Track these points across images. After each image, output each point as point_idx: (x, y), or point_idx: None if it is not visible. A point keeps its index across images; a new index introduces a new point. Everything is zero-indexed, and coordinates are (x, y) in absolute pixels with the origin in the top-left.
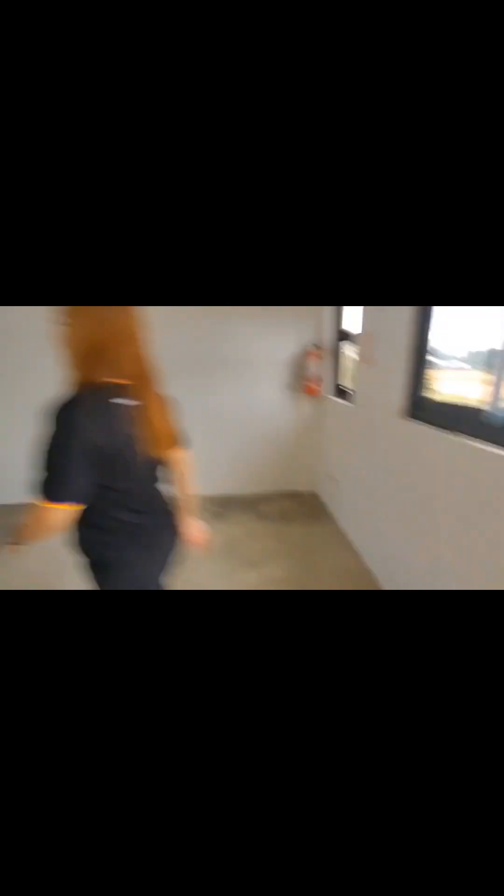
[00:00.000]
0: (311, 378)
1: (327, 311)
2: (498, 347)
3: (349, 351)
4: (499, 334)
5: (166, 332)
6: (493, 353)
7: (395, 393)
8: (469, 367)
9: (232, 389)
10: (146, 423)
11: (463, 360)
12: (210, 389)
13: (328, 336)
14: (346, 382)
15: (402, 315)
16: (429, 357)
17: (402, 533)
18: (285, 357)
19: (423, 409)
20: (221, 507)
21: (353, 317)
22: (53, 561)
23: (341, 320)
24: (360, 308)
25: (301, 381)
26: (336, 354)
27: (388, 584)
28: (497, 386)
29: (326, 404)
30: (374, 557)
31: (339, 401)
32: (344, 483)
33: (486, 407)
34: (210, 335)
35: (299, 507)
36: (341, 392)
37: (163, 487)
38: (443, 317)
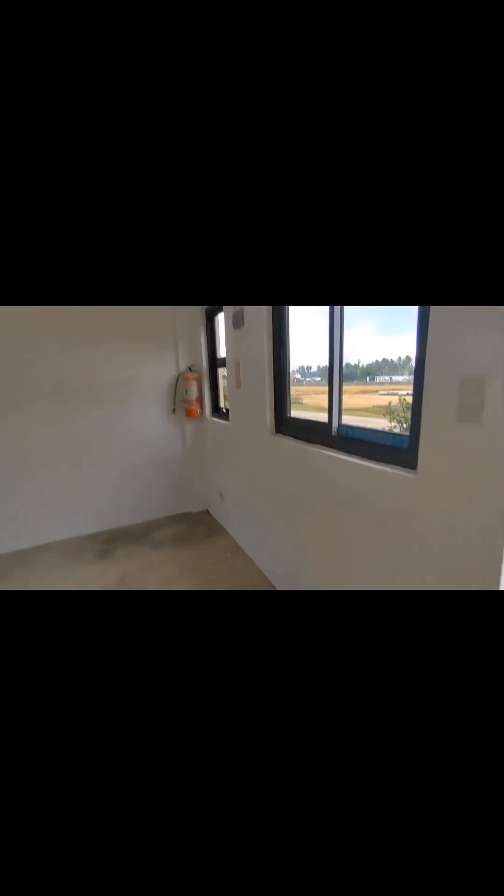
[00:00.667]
0: (190, 400)
1: (202, 336)
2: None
3: (223, 374)
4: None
5: (36, 359)
6: (324, 370)
7: (263, 412)
8: (321, 380)
9: (111, 416)
10: None
11: (317, 374)
12: (87, 417)
13: (204, 361)
14: (225, 403)
15: (261, 342)
16: (291, 376)
17: (280, 535)
18: (164, 382)
19: (287, 425)
20: (108, 543)
21: (223, 343)
22: None
23: (215, 346)
24: (224, 335)
25: (181, 404)
26: (212, 378)
27: (280, 584)
28: (332, 406)
29: (207, 424)
30: (265, 562)
31: (218, 420)
32: (229, 497)
33: (329, 423)
34: (85, 362)
35: (194, 528)
36: (221, 412)
37: None
38: (301, 339)
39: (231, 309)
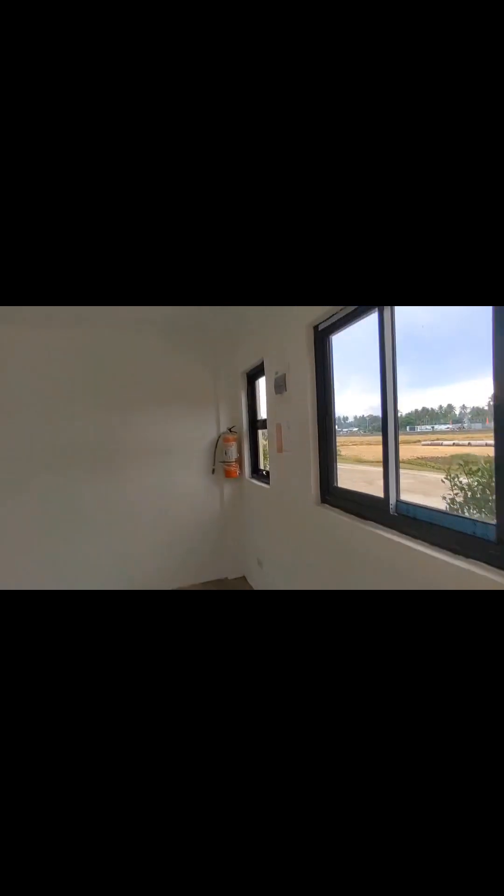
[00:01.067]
0: (229, 461)
1: (242, 398)
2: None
3: (263, 435)
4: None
5: (76, 423)
6: (361, 420)
7: (307, 480)
8: (358, 430)
9: (150, 473)
10: None
11: (353, 424)
12: (127, 481)
13: (244, 422)
14: (266, 465)
15: (304, 408)
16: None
17: None
18: (204, 442)
19: (334, 496)
20: None
21: (263, 404)
22: None
23: (255, 408)
24: (265, 396)
25: (220, 464)
26: (252, 439)
27: None
28: (388, 479)
29: (246, 486)
30: None
31: (258, 483)
32: (268, 566)
33: (385, 498)
34: (122, 424)
35: None
36: (261, 474)
37: None
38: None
39: (273, 373)
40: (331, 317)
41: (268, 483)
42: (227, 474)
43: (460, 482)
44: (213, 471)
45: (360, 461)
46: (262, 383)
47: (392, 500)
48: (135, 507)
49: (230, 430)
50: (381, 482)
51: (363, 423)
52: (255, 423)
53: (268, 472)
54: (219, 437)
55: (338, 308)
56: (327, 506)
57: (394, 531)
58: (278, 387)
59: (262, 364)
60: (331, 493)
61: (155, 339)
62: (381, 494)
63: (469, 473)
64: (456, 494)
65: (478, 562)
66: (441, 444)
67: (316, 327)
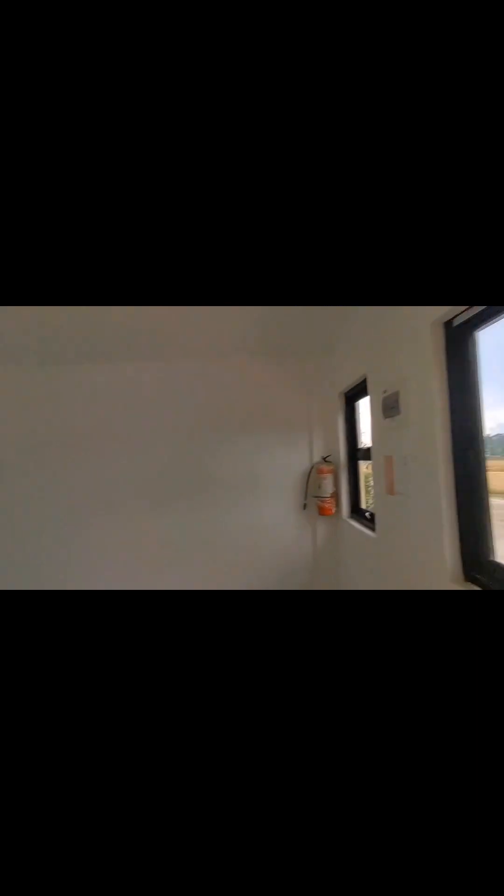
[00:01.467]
0: (324, 496)
1: (339, 423)
2: None
3: (367, 469)
4: None
5: (153, 451)
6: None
7: (438, 541)
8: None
9: (233, 512)
10: None
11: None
12: (209, 513)
13: (342, 452)
14: (368, 503)
15: (431, 436)
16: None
17: None
18: (295, 473)
19: (488, 574)
20: None
21: (367, 431)
22: None
23: (356, 435)
24: (370, 422)
25: (313, 500)
26: (352, 472)
27: None
28: None
29: (344, 527)
30: None
31: (358, 526)
32: None
33: None
34: (204, 452)
35: None
36: (363, 515)
37: None
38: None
39: (379, 391)
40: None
41: (373, 529)
42: (321, 511)
43: None
44: (305, 506)
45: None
46: (364, 405)
47: None
48: (213, 544)
49: (325, 459)
50: None
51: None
52: (355, 453)
53: (372, 515)
54: (311, 467)
55: None
56: (473, 585)
57: None
58: (388, 408)
59: (364, 381)
60: (482, 570)
61: (242, 359)
62: None
63: None
64: None
65: None
66: None
67: (449, 323)
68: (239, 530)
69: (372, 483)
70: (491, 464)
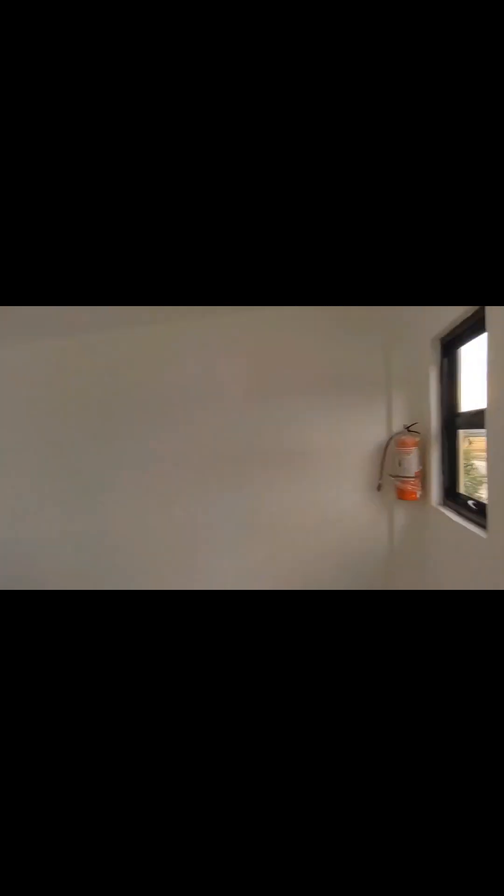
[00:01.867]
0: (405, 476)
1: (431, 380)
2: None
3: (469, 441)
4: None
5: (192, 423)
6: None
7: None
8: None
9: (286, 493)
10: None
11: None
12: (254, 493)
13: (433, 418)
14: (470, 487)
15: None
16: None
17: None
18: (367, 446)
19: None
20: None
21: (475, 388)
22: None
23: (456, 395)
24: (486, 373)
25: (390, 479)
26: (448, 445)
27: None
28: None
29: (432, 516)
30: None
31: (454, 517)
32: None
33: None
34: (255, 421)
35: None
36: (462, 502)
37: None
38: None
39: (501, 327)
40: None
41: (483, 525)
42: (402, 494)
43: None
44: (380, 487)
45: None
46: (473, 351)
47: None
48: (262, 529)
49: (408, 428)
50: None
51: None
52: (453, 420)
53: (480, 506)
54: (390, 438)
55: None
56: None
57: None
58: None
59: (473, 317)
60: None
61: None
62: None
63: None
64: None
65: None
66: None
67: None
68: (293, 513)
69: (479, 462)
70: None
